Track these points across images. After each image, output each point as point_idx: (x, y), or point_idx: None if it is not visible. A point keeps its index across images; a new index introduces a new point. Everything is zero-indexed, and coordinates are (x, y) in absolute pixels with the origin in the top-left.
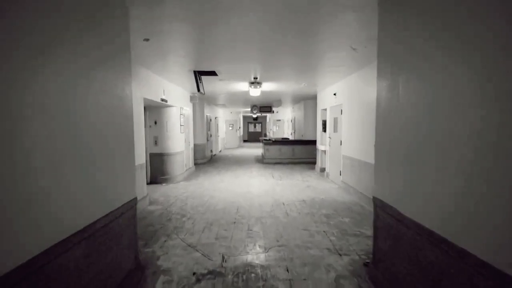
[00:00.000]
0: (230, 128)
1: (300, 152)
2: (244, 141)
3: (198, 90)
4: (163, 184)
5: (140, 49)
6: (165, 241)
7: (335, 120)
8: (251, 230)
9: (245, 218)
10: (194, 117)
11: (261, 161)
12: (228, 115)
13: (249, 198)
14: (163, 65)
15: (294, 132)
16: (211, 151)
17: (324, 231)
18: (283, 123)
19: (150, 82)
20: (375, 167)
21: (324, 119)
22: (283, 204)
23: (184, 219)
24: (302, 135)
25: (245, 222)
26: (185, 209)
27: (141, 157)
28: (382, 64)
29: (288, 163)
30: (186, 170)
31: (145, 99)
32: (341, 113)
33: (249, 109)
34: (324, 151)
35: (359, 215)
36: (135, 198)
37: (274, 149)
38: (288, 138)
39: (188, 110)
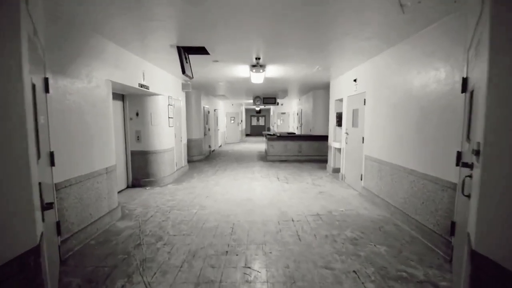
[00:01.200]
0: (232, 121)
1: (308, 149)
2: (247, 135)
3: (184, 71)
4: (147, 188)
5: (103, 15)
6: (122, 286)
7: (355, 113)
8: (249, 267)
9: (242, 244)
10: (188, 108)
11: (264, 158)
12: (229, 108)
13: (249, 210)
14: (138, 39)
15: (301, 126)
16: (210, 146)
17: (354, 271)
18: (288, 116)
19: (123, 62)
20: (480, 194)
21: (339, 111)
22: (293, 220)
23: (159, 244)
24: (310, 130)
25: (241, 252)
26: (164, 228)
27: (109, 157)
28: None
29: (294, 161)
30: (176, 170)
31: (116, 84)
32: (364, 103)
33: (252, 101)
34: (339, 149)
35: (397, 240)
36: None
37: (279, 145)
38: (294, 133)
39: (179, 100)
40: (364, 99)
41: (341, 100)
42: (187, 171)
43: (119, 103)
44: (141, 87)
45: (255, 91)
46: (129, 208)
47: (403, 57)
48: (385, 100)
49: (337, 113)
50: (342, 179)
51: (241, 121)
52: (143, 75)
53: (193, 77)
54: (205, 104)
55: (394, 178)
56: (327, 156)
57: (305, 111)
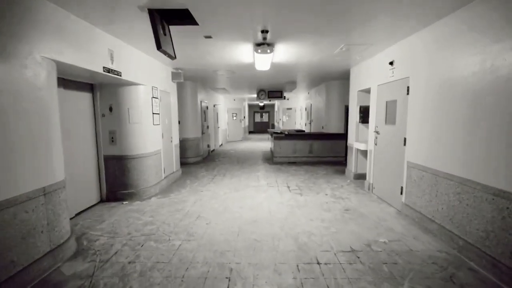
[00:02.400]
0: (234, 118)
1: (321, 149)
2: (250, 132)
3: (159, 47)
4: (124, 203)
5: None
6: None
7: (390, 106)
8: None
9: None
10: (182, 103)
11: (270, 159)
12: (231, 103)
13: (254, 243)
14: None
15: (310, 123)
16: (208, 146)
17: None
18: (295, 112)
19: (77, 36)
20: None
21: (363, 104)
22: (318, 263)
23: None
24: (323, 127)
25: None
26: (128, 278)
27: (50, 172)
28: None
29: (305, 163)
30: (165, 178)
31: (69, 68)
32: (407, 93)
33: (255, 96)
34: (364, 152)
35: None
36: None
37: (287, 144)
38: (304, 131)
39: (169, 93)
40: (407, 87)
41: (367, 90)
42: (179, 178)
43: (87, 96)
44: (108, 72)
45: (259, 83)
46: (90, 237)
47: (474, 25)
48: (448, 88)
49: (360, 107)
50: (369, 189)
51: (244, 117)
52: (111, 57)
53: (175, 57)
54: (202, 99)
55: (464, 199)
56: (342, 157)
57: (316, 106)
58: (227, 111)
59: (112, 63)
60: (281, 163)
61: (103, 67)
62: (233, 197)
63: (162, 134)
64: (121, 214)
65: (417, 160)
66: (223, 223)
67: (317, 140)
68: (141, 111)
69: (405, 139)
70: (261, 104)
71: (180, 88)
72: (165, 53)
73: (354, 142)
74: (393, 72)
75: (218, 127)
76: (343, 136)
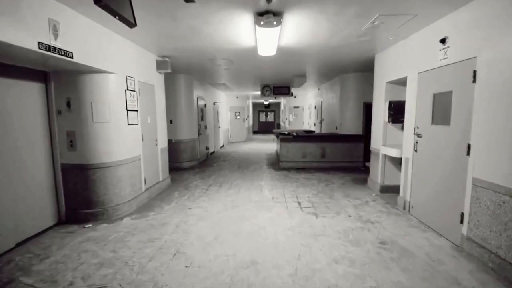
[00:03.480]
0: (237, 117)
1: (335, 153)
2: (254, 132)
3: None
4: (86, 226)
5: None
6: None
7: (440, 99)
8: None
9: None
10: (174, 99)
11: (276, 164)
12: (233, 101)
13: None
14: None
15: (321, 123)
16: (207, 148)
17: None
18: (302, 110)
19: None
20: None
21: (395, 99)
22: None
23: None
24: (337, 128)
25: None
26: None
27: None
28: None
29: (316, 170)
30: (146, 190)
31: None
32: (473, 80)
33: (259, 92)
34: (395, 159)
35: None
36: None
37: (295, 147)
38: (313, 131)
39: (152, 85)
40: (474, 72)
41: (400, 81)
42: (166, 189)
43: (36, 87)
44: (48, 50)
45: (263, 77)
46: None
47: None
48: None
49: (390, 102)
50: (404, 208)
51: (248, 116)
52: (55, 30)
53: (135, 24)
54: (200, 95)
55: None
56: (360, 162)
57: (328, 103)
58: (230, 109)
59: (55, 39)
60: (288, 169)
61: (39, 42)
62: (229, 217)
63: (142, 136)
64: (75, 246)
65: (492, 177)
66: (210, 266)
67: (330, 142)
68: (110, 107)
69: (468, 146)
70: (266, 103)
71: (171, 81)
72: (113, 13)
73: (381, 147)
74: (445, 53)
75: (219, 127)
76: (361, 138)
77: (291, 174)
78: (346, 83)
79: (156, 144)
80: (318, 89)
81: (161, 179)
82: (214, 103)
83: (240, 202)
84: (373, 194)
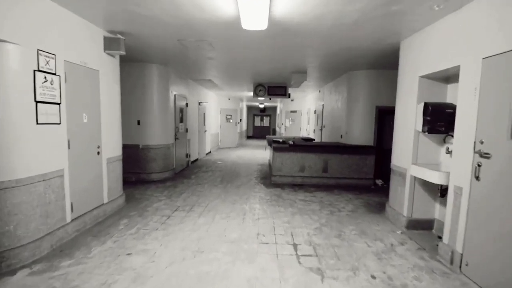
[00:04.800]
0: (230, 120)
1: (340, 167)
2: (248, 137)
3: None
4: None
5: None
6: None
7: None
8: None
9: None
10: (141, 94)
11: (268, 178)
12: (225, 103)
13: None
14: None
15: (321, 130)
16: (188, 155)
17: None
18: (300, 115)
19: None
20: None
21: (433, 101)
22: None
23: None
24: (342, 136)
25: None
26: None
27: None
28: None
29: (317, 188)
30: (73, 221)
31: None
32: None
33: (252, 93)
34: (430, 184)
35: None
36: None
37: (291, 159)
38: (313, 139)
39: (96, 70)
40: None
41: (442, 75)
42: (112, 215)
43: None
44: None
45: (256, 72)
46: None
47: None
48: None
49: (427, 105)
50: (453, 262)
51: (240, 120)
52: None
53: None
54: (180, 92)
55: None
56: (369, 180)
57: (331, 108)
58: (220, 111)
59: None
60: (282, 186)
61: None
62: (184, 274)
63: (69, 141)
64: None
65: None
66: None
67: (334, 154)
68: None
69: None
70: (262, 106)
71: (139, 71)
72: None
73: (409, 166)
74: None
75: (205, 131)
76: (372, 150)
77: (286, 193)
78: (354, 82)
79: (98, 153)
80: (319, 91)
81: (105, 201)
82: (199, 103)
83: (210, 242)
84: (398, 232)
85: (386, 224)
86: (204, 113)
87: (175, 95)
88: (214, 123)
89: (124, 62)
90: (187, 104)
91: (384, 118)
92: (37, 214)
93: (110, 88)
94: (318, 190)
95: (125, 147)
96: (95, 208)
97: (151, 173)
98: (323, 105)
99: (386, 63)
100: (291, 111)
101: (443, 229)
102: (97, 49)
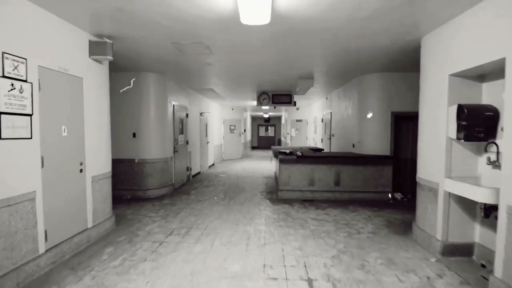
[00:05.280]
0: (234, 131)
1: (354, 180)
2: (253, 148)
3: None
4: None
5: None
6: None
7: None
8: None
9: None
10: (137, 105)
11: (274, 193)
12: (228, 113)
13: None
14: None
15: (330, 139)
16: (189, 169)
17: None
18: (306, 124)
19: None
20: None
21: (468, 103)
22: None
23: None
24: (354, 146)
25: None
26: None
27: None
28: None
29: (329, 203)
30: (48, 251)
31: None
32: None
33: (256, 102)
34: (469, 202)
35: None
36: None
37: (299, 171)
38: (322, 149)
39: (80, 77)
40: None
41: (478, 71)
42: (97, 241)
43: None
44: None
45: (259, 78)
46: None
47: None
48: None
49: (461, 107)
50: None
51: (244, 131)
52: None
53: None
54: (179, 102)
55: None
56: (386, 193)
57: (341, 115)
58: (224, 122)
59: None
60: (290, 202)
61: None
62: None
63: (43, 158)
64: None
65: None
66: None
67: (347, 165)
68: None
69: None
70: (266, 116)
71: (135, 80)
72: None
73: (442, 180)
74: None
75: (208, 143)
76: (389, 160)
77: (295, 211)
78: (366, 87)
79: (81, 171)
80: (326, 98)
81: (90, 225)
82: (201, 114)
83: (206, 277)
84: (432, 259)
85: (416, 250)
86: (206, 124)
87: (174, 105)
88: (217, 134)
89: (118, 71)
90: (187, 115)
91: (401, 124)
92: None
93: (96, 98)
94: (331, 206)
95: (120, 162)
96: (77, 234)
97: (148, 190)
98: (331, 112)
99: (401, 65)
100: (297, 120)
101: (487, 255)
102: (80, 54)
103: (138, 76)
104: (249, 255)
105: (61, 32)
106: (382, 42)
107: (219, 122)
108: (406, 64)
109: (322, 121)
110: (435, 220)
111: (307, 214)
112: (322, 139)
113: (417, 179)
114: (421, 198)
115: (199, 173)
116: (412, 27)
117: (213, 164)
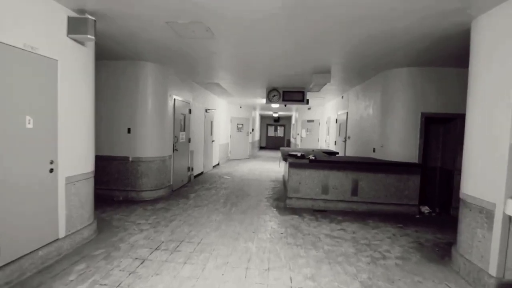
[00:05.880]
0: (240, 130)
1: (374, 189)
2: (261, 148)
3: None
4: None
5: None
6: None
7: None
8: None
9: None
10: (132, 97)
11: (282, 199)
12: (236, 111)
13: None
14: None
15: (345, 141)
16: (190, 169)
17: None
18: (318, 125)
19: None
20: None
21: None
22: None
23: None
24: (375, 150)
25: None
26: None
27: None
28: None
29: (344, 216)
30: (1, 269)
31: None
32: None
33: (265, 99)
34: None
35: None
36: None
37: (311, 177)
38: (337, 153)
39: (55, 59)
40: None
41: None
42: (69, 254)
43: None
44: None
45: (269, 72)
46: None
47: None
48: None
49: None
50: None
51: (253, 130)
52: None
53: None
54: (181, 96)
55: None
56: (412, 206)
57: (360, 116)
58: (231, 120)
59: None
60: (300, 212)
61: None
62: None
63: None
64: None
65: None
66: None
67: (366, 172)
68: None
69: None
70: (276, 115)
71: (130, 70)
72: None
73: (502, 199)
74: None
75: (212, 141)
76: (417, 169)
77: (305, 224)
78: (392, 84)
79: (51, 170)
80: (342, 97)
81: (62, 235)
82: (206, 110)
83: None
84: None
85: (459, 285)
86: (211, 122)
87: (174, 99)
88: (223, 133)
89: (112, 59)
90: (190, 111)
91: (429, 128)
92: None
93: (76, 84)
94: (347, 220)
95: (112, 160)
96: (43, 246)
97: (142, 191)
98: (347, 112)
99: (437, 57)
100: (308, 121)
101: None
102: (56, 32)
103: (135, 65)
104: (249, 285)
105: (30, 2)
106: (418, 24)
107: (226, 120)
108: (444, 55)
109: (336, 122)
110: (488, 250)
111: (320, 229)
112: (335, 142)
113: (462, 196)
114: (467, 220)
115: (202, 173)
116: (464, 2)
117: (218, 164)
